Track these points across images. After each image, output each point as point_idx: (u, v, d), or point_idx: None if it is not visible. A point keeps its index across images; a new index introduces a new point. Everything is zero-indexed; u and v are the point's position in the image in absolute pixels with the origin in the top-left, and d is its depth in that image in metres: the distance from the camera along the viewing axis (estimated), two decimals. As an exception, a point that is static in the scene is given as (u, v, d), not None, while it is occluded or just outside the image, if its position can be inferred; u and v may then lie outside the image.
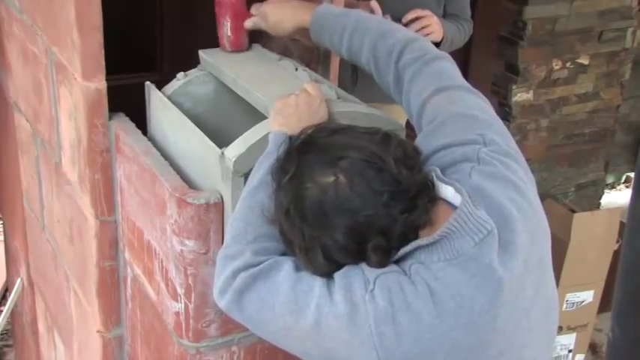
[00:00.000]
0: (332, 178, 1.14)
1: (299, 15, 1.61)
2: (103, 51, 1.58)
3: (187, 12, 2.38)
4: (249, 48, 1.82)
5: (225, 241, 1.33)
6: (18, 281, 2.59)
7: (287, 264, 1.23)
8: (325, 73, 1.76)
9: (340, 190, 1.14)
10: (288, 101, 1.40)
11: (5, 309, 2.67)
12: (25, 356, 2.77)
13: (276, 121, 1.37)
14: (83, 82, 1.59)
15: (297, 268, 1.22)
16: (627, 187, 4.35)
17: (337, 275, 1.17)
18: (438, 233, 1.14)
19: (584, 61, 3.02)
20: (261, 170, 1.32)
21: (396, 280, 1.14)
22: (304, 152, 1.20)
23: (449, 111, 1.33)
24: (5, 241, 2.81)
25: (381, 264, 1.16)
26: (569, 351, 3.15)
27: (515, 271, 1.16)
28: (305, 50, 1.79)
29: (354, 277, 1.16)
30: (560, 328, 3.07)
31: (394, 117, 1.71)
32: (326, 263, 1.17)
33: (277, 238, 1.27)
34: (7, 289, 2.96)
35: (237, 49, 1.75)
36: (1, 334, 3.23)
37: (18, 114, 2.17)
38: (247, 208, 1.31)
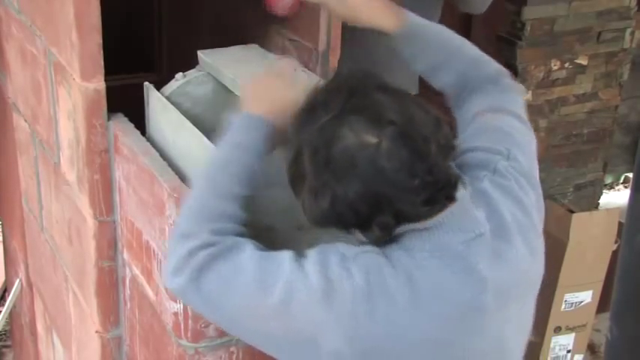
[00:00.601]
0: (375, 140, 1.10)
1: (387, 16, 1.46)
2: (101, 51, 1.58)
3: (186, 12, 2.38)
4: (247, 48, 1.82)
5: (178, 220, 1.29)
6: (17, 282, 2.59)
7: (248, 244, 1.20)
8: (324, 74, 1.76)
9: (379, 156, 1.10)
10: (260, 82, 1.38)
11: (4, 309, 2.67)
12: (24, 357, 2.76)
13: (249, 102, 1.35)
14: (82, 83, 1.59)
15: (260, 248, 1.20)
16: (626, 187, 4.36)
17: (313, 251, 1.16)
18: (432, 221, 1.13)
19: (582, 61, 3.02)
20: (223, 151, 1.29)
21: (376, 262, 1.13)
22: (354, 96, 1.14)
23: (491, 123, 1.35)
24: (4, 241, 2.81)
25: (378, 241, 1.15)
26: (568, 351, 3.15)
27: (504, 280, 1.16)
28: (304, 50, 1.79)
29: (331, 254, 1.15)
30: (559, 328, 3.07)
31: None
32: (327, 214, 1.14)
33: (236, 219, 1.25)
34: (5, 290, 2.96)
35: (286, 13, 1.68)
36: (0, 335, 3.23)
37: (17, 114, 2.17)
38: (206, 188, 1.28)
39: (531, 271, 1.24)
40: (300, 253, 1.18)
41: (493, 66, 1.47)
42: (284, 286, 1.14)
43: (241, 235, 1.24)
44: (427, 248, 1.14)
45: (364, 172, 1.10)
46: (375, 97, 1.14)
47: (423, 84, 2.75)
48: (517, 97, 1.45)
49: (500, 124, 1.35)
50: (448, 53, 1.46)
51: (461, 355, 1.17)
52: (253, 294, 1.17)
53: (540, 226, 1.28)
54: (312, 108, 1.17)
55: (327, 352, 1.13)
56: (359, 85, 1.16)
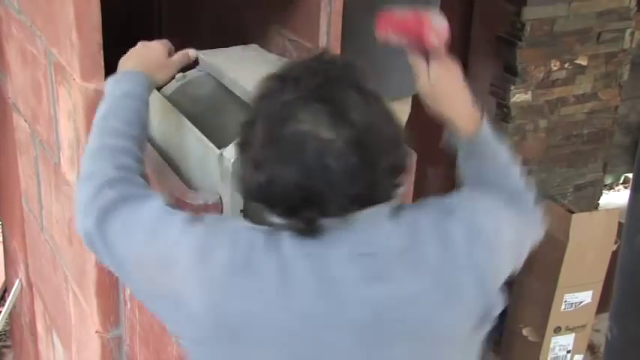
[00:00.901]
0: (330, 136, 1.06)
1: (465, 120, 1.36)
2: (101, 51, 1.58)
3: (186, 12, 2.38)
4: (247, 48, 1.82)
5: (80, 169, 1.31)
6: (17, 282, 2.59)
7: (159, 198, 1.22)
8: (324, 74, 1.76)
9: (328, 153, 1.06)
10: (134, 49, 1.47)
11: (4, 310, 2.67)
12: (24, 357, 2.76)
13: (132, 60, 1.44)
14: (82, 83, 1.59)
15: (168, 204, 1.21)
16: (625, 187, 4.36)
17: (210, 216, 1.18)
18: (344, 222, 1.11)
19: (582, 61, 3.02)
20: (108, 103, 1.34)
21: (264, 242, 1.12)
22: (327, 84, 1.10)
23: (490, 194, 1.32)
24: (4, 241, 2.81)
25: (292, 229, 1.12)
26: (568, 351, 3.15)
27: (388, 307, 1.12)
28: (303, 51, 1.79)
29: (226, 223, 1.16)
30: (559, 329, 3.07)
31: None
32: (260, 189, 1.11)
33: (136, 156, 1.29)
34: (5, 290, 2.96)
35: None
36: (0, 335, 3.23)
37: (17, 114, 2.18)
38: (101, 133, 1.31)
39: (438, 321, 1.15)
40: (199, 218, 1.18)
41: (530, 198, 1.38)
42: (169, 241, 1.15)
43: (143, 175, 1.28)
44: (315, 248, 1.11)
45: (308, 163, 1.07)
46: (347, 92, 1.10)
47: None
48: (531, 221, 1.36)
49: (497, 204, 1.30)
50: (494, 171, 1.38)
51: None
52: (142, 242, 1.17)
53: (475, 289, 1.17)
54: (283, 80, 1.13)
55: (189, 314, 1.12)
56: (337, 74, 1.12)
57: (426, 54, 1.35)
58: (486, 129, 1.36)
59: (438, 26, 1.33)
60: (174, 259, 1.14)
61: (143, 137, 1.35)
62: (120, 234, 1.20)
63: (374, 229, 1.13)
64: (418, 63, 1.36)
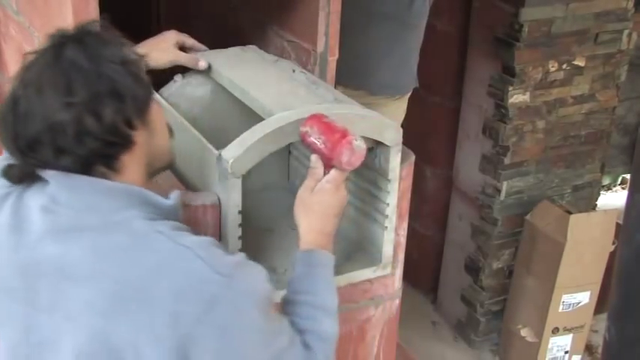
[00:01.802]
0: (18, 91, 1.17)
1: (312, 235, 1.36)
2: (100, 52, 1.58)
3: (185, 14, 2.38)
4: (245, 49, 1.82)
5: None
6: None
7: None
8: (322, 75, 1.76)
9: (14, 104, 1.16)
10: (164, 33, 1.71)
11: (2, 311, 2.67)
12: (22, 358, 2.76)
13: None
14: (80, 84, 1.59)
15: None
16: (623, 188, 4.36)
17: None
18: (49, 176, 1.17)
19: (580, 62, 3.01)
20: None
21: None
22: (50, 47, 1.20)
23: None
24: (2, 242, 2.81)
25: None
26: (566, 352, 3.16)
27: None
28: (302, 52, 1.79)
29: None
30: (557, 329, 3.08)
31: (389, 114, 1.71)
32: None
33: None
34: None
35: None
36: (-2, 336, 3.22)
37: (15, 115, 2.17)
38: None
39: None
40: None
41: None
42: None
43: None
44: (22, 189, 1.21)
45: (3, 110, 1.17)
46: (46, 56, 1.18)
47: (422, 82, 2.76)
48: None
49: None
50: (308, 284, 1.33)
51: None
52: None
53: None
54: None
55: None
56: (58, 42, 1.20)
57: (329, 167, 1.35)
58: (321, 259, 1.33)
59: (356, 149, 1.33)
60: None
61: None
62: None
63: (67, 192, 1.16)
64: (317, 167, 1.37)
